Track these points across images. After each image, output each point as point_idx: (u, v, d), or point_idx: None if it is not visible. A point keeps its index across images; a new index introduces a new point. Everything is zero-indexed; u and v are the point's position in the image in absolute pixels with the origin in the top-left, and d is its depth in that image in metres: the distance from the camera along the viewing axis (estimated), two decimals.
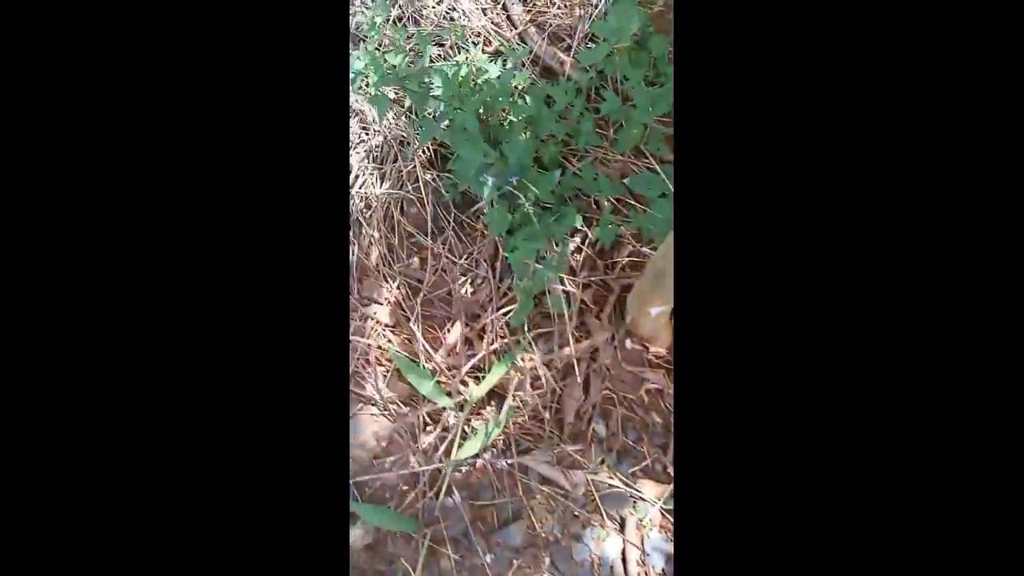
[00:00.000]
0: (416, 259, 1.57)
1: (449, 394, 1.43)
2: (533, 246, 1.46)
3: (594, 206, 1.61)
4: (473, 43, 1.81)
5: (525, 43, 1.83)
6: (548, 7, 1.87)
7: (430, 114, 1.40)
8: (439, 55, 1.75)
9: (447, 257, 1.55)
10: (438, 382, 1.44)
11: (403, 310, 1.52)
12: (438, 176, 1.60)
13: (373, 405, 1.43)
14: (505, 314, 1.48)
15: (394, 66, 1.39)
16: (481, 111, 1.41)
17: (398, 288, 1.53)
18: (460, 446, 1.37)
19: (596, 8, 1.74)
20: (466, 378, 1.45)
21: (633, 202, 1.57)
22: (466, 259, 1.55)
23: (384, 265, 1.53)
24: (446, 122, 1.40)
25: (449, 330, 1.50)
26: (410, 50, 1.69)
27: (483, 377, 1.45)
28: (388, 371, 1.47)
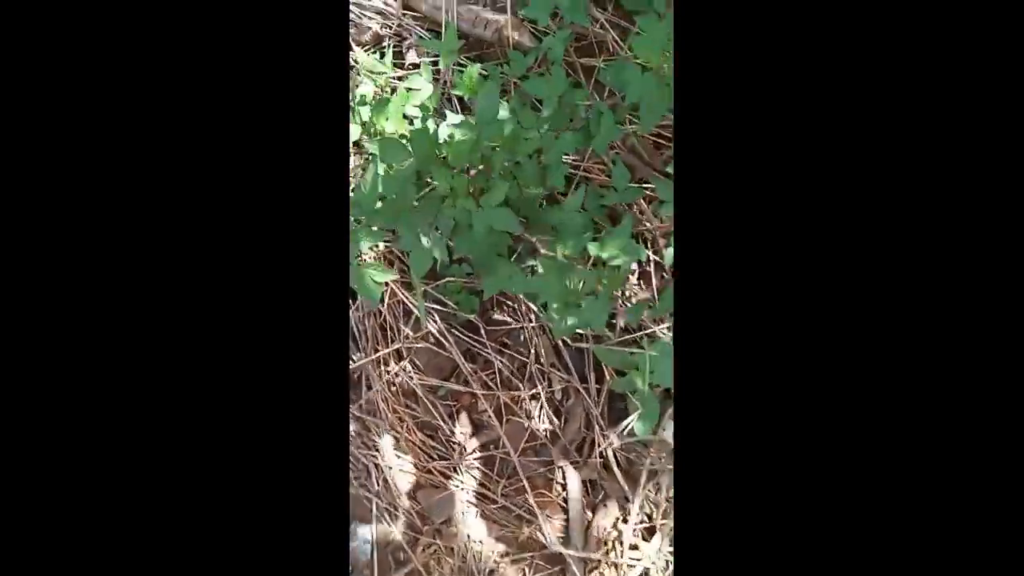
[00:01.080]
0: (464, 430, 1.06)
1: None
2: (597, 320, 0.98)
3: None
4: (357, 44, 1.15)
5: (414, 11, 1.17)
6: None
7: (436, 231, 0.81)
8: None
9: (505, 397, 1.04)
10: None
11: (490, 495, 1.03)
12: (432, 288, 1.04)
13: None
14: (625, 428, 1.04)
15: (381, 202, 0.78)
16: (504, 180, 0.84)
17: (470, 473, 1.03)
18: None
19: None
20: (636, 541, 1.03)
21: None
22: (526, 381, 1.06)
23: (432, 458, 1.02)
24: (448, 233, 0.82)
25: (564, 483, 1.05)
26: None
27: (645, 523, 1.04)
28: None
